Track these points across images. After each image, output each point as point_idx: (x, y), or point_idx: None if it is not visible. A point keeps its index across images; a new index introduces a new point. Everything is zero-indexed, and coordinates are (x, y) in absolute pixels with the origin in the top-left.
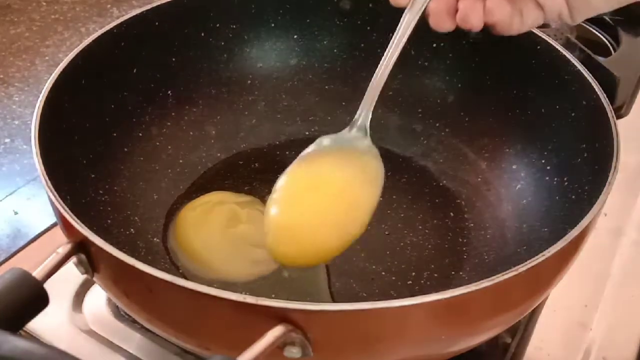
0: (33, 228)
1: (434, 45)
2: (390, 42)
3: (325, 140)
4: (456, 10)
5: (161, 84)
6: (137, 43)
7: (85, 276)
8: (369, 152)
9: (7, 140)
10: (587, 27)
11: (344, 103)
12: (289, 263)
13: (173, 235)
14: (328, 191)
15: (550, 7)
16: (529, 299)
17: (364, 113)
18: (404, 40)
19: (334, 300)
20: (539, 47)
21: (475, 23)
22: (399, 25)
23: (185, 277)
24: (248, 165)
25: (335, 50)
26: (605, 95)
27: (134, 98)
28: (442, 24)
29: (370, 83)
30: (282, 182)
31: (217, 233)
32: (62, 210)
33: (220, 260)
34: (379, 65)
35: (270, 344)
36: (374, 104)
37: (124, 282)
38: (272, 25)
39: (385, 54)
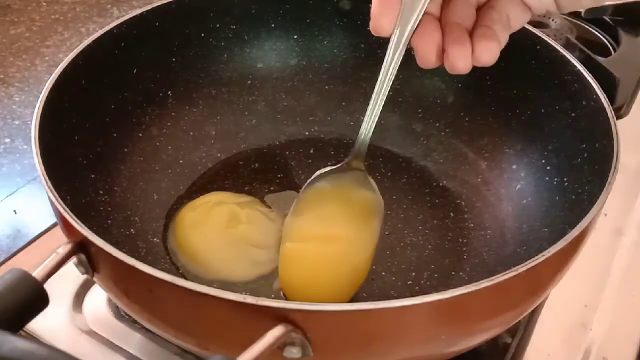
0: (33, 228)
1: None
2: (379, 78)
3: (324, 181)
4: (442, 49)
5: (161, 84)
6: (137, 43)
7: (85, 276)
8: (368, 190)
9: (7, 140)
10: (587, 27)
11: (344, 103)
12: None
13: (173, 235)
14: (334, 243)
15: (538, 7)
16: (529, 299)
17: (360, 144)
18: (393, 73)
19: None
20: (539, 47)
21: (463, 70)
22: (385, 60)
23: (185, 278)
24: (248, 166)
25: (335, 51)
26: (605, 96)
27: (134, 98)
28: (427, 62)
29: (365, 119)
30: (288, 234)
31: (216, 233)
32: (62, 210)
33: (219, 260)
34: (371, 100)
35: (270, 344)
36: (369, 135)
37: (124, 283)
38: (272, 25)
39: (375, 89)
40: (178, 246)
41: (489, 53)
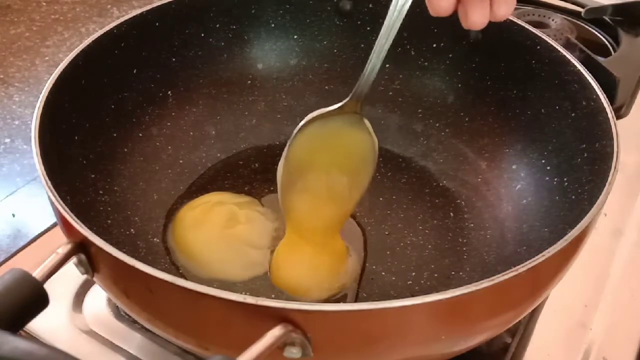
0: (33, 228)
1: (434, 45)
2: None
3: (318, 126)
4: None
5: (161, 84)
6: (137, 43)
7: (85, 276)
8: (362, 134)
9: (7, 140)
10: (587, 27)
11: None
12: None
13: (172, 233)
14: (327, 254)
15: None
16: (529, 299)
17: (361, 87)
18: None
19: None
20: (539, 47)
21: (481, 25)
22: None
23: (184, 277)
24: (248, 166)
25: (335, 51)
26: (605, 96)
27: (134, 98)
28: (439, 12)
29: (368, 61)
30: (287, 215)
31: (214, 233)
32: (62, 211)
33: (215, 259)
34: (377, 41)
35: (270, 344)
36: (371, 79)
37: (124, 282)
38: (272, 25)
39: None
40: (176, 244)
41: (506, 6)
